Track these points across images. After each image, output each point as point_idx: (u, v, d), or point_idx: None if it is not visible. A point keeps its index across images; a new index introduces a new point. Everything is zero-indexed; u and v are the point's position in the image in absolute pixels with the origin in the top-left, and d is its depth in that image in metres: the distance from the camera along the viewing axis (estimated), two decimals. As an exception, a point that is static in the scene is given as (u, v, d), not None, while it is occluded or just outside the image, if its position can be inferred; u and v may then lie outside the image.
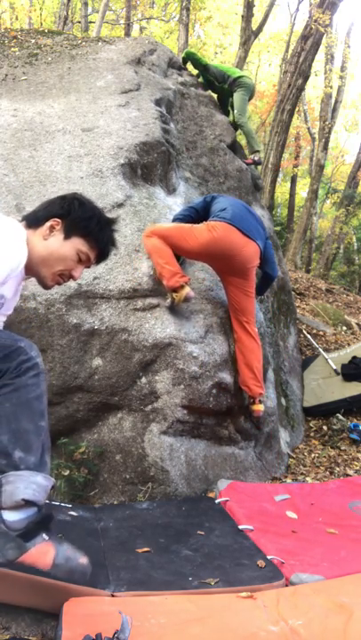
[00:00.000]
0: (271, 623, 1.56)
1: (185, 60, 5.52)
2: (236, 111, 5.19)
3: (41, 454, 1.39)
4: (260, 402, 3.18)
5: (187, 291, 2.94)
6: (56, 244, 1.54)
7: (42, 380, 1.42)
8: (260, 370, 3.12)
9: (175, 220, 3.26)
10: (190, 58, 5.44)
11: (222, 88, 5.27)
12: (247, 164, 4.93)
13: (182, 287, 2.93)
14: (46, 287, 1.63)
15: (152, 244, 2.99)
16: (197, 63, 5.36)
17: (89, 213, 1.59)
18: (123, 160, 3.43)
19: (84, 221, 1.56)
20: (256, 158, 5.13)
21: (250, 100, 5.35)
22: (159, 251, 2.96)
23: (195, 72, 5.60)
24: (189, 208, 3.32)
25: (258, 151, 5.20)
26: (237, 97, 5.15)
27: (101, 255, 1.65)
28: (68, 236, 1.55)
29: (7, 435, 1.34)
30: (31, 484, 1.34)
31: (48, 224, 1.55)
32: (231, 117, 5.27)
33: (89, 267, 1.67)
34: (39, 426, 1.38)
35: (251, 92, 5.26)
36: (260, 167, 12.54)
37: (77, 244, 1.56)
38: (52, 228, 1.55)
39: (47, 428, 1.43)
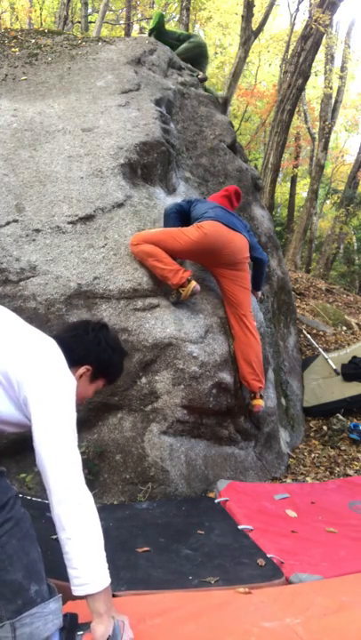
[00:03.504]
0: (266, 620, 1.56)
1: (152, 31, 5.90)
2: (179, 50, 5.81)
3: (46, 579, 1.37)
4: (261, 396, 3.18)
5: (193, 285, 2.98)
6: (82, 388, 1.63)
7: (21, 505, 1.43)
8: (259, 364, 3.13)
9: (169, 212, 3.28)
10: (159, 24, 5.86)
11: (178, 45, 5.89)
12: (200, 80, 5.60)
13: (189, 282, 2.97)
14: None
15: (142, 249, 2.99)
16: (162, 30, 5.87)
17: (116, 359, 1.71)
18: (123, 160, 3.43)
19: (112, 368, 1.70)
20: (200, 75, 5.70)
21: (206, 62, 6.10)
22: (153, 254, 2.96)
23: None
24: (177, 204, 3.36)
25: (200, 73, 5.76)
26: (185, 45, 5.87)
27: (110, 383, 1.78)
28: (93, 380, 1.67)
29: (22, 572, 1.31)
30: (48, 617, 1.31)
31: (81, 371, 1.63)
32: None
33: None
34: (39, 552, 1.38)
35: (200, 47, 6.00)
36: (260, 167, 12.55)
37: (99, 385, 1.71)
38: (82, 375, 1.64)
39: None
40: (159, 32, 5.79)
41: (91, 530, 1.34)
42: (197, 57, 5.91)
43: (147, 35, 5.97)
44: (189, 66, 5.72)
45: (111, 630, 1.31)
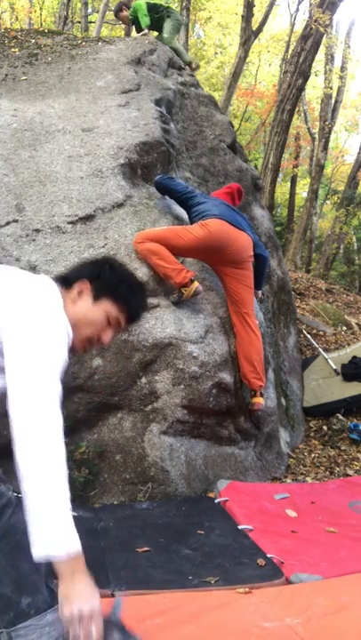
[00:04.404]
0: (266, 620, 1.56)
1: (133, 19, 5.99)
2: (166, 34, 5.85)
3: (46, 587, 1.28)
4: (261, 394, 3.18)
5: (196, 285, 2.99)
6: (84, 307, 1.47)
7: (19, 511, 1.25)
8: (260, 362, 3.13)
9: (184, 190, 3.36)
10: (137, 12, 5.89)
11: (158, 18, 5.94)
12: (192, 69, 5.69)
13: (191, 282, 2.98)
14: (75, 353, 1.52)
15: (146, 247, 3.00)
16: (140, 9, 5.88)
17: (119, 277, 1.55)
18: (123, 160, 3.43)
19: (114, 284, 1.51)
20: (193, 66, 5.82)
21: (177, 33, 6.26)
22: (156, 252, 2.97)
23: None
24: (174, 182, 3.43)
25: (190, 62, 5.81)
26: (169, 23, 5.90)
27: (132, 319, 1.56)
28: (96, 298, 1.49)
29: (10, 586, 1.24)
30: (44, 629, 1.24)
31: (77, 286, 1.50)
32: (163, 39, 5.85)
33: (119, 332, 1.58)
34: (33, 562, 1.18)
35: (180, 24, 6.18)
36: (260, 167, 12.55)
37: (107, 307, 1.49)
38: (80, 292, 1.50)
39: None
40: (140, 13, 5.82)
41: (57, 486, 1.12)
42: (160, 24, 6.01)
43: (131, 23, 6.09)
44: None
45: (89, 604, 1.10)
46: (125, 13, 6.05)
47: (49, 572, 1.26)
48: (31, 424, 1.11)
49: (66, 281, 1.52)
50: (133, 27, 6.26)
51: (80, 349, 1.51)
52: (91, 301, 1.48)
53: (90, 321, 1.47)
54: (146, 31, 5.67)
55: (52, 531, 1.09)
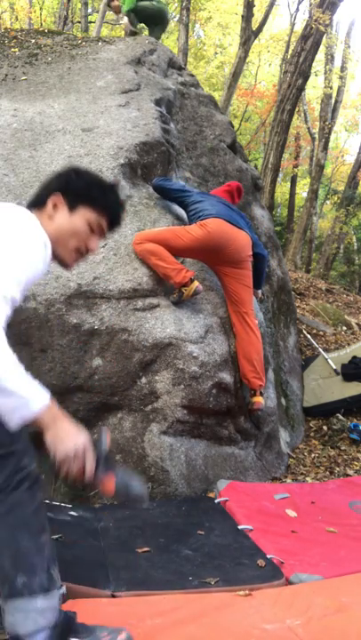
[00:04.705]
0: (266, 622, 1.56)
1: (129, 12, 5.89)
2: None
3: (47, 571, 1.26)
4: (261, 394, 3.18)
5: (196, 284, 2.99)
6: (63, 219, 1.46)
7: (38, 489, 1.29)
8: (260, 362, 3.13)
9: (180, 189, 3.40)
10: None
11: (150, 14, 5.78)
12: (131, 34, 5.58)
13: (191, 281, 2.98)
14: (67, 267, 1.54)
15: (145, 248, 3.00)
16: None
17: (87, 181, 1.53)
18: (123, 160, 3.43)
19: (85, 189, 1.49)
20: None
21: (161, 28, 6.05)
22: (156, 253, 2.97)
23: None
24: (170, 183, 3.47)
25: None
26: (160, 29, 5.87)
27: (113, 221, 1.55)
28: (72, 208, 1.47)
29: (8, 560, 1.23)
30: (30, 614, 1.22)
31: (50, 202, 1.48)
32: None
33: (104, 237, 1.57)
34: (40, 542, 1.26)
35: (157, 11, 5.90)
36: (260, 167, 12.54)
37: (85, 214, 1.48)
38: (55, 206, 1.47)
39: (49, 540, 1.31)
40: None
41: (4, 358, 1.14)
42: (151, 18, 5.86)
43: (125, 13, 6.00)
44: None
45: (74, 440, 1.20)
46: (117, 3, 5.95)
47: (53, 557, 1.29)
48: None
49: (37, 202, 1.51)
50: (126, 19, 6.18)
51: (71, 262, 1.52)
52: (67, 212, 1.47)
53: (72, 231, 1.47)
54: (125, 19, 5.57)
55: (22, 395, 1.14)
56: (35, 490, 1.27)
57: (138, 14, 5.65)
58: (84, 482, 1.26)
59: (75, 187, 1.49)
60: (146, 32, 5.94)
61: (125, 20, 5.59)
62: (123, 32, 6.06)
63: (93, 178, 1.56)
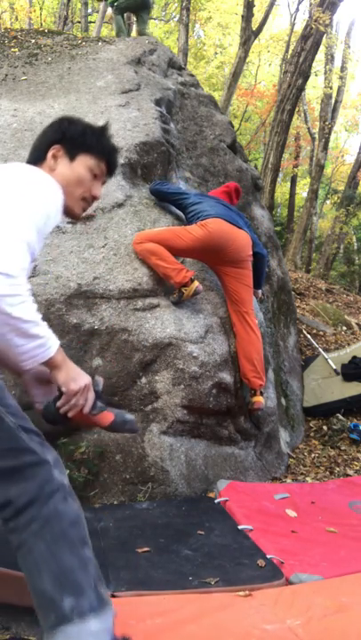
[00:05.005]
0: (267, 622, 1.56)
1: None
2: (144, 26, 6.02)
3: (95, 589, 1.14)
4: (261, 394, 3.18)
5: (196, 284, 2.99)
6: (66, 169, 1.48)
7: (73, 500, 1.21)
8: (260, 361, 3.14)
9: (177, 192, 3.42)
10: None
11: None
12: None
13: (192, 281, 2.98)
14: (76, 217, 1.56)
15: (145, 247, 3.00)
16: None
17: (81, 128, 1.54)
18: (123, 160, 3.43)
19: (81, 137, 1.51)
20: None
21: (147, 14, 6.27)
22: (156, 253, 2.97)
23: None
24: (167, 186, 3.48)
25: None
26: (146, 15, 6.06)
27: (111, 164, 1.58)
28: (72, 157, 1.49)
29: (50, 581, 1.10)
30: (88, 638, 1.09)
31: (50, 154, 1.49)
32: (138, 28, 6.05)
33: (104, 182, 1.60)
34: (83, 557, 1.15)
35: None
36: (260, 167, 12.55)
37: (85, 161, 1.50)
38: (55, 157, 1.49)
39: (92, 555, 1.19)
40: None
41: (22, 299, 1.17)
42: (134, 6, 5.99)
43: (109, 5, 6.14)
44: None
45: (83, 379, 1.32)
46: None
47: (99, 573, 1.19)
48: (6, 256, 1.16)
49: (36, 157, 1.51)
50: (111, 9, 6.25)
51: (79, 212, 1.54)
52: (68, 162, 1.49)
53: (77, 180, 1.48)
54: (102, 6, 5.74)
55: (42, 337, 1.21)
56: (70, 500, 1.20)
57: (118, 7, 5.80)
58: (83, 418, 1.36)
59: (71, 135, 1.51)
60: (133, 33, 6.03)
61: (108, 10, 5.78)
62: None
63: (85, 124, 1.57)
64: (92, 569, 1.16)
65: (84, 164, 1.50)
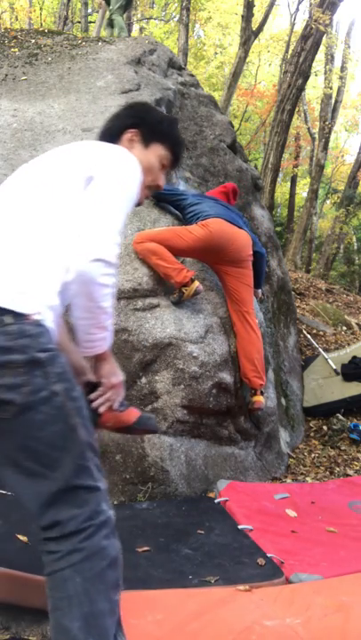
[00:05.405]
0: (267, 618, 1.56)
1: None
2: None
3: (115, 635, 1.10)
4: (262, 393, 3.18)
5: (196, 284, 2.99)
6: (140, 155, 1.44)
7: (115, 537, 1.14)
8: (260, 361, 3.14)
9: (175, 193, 3.42)
10: None
11: None
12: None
13: (192, 281, 2.98)
14: (139, 204, 1.52)
15: (146, 247, 3.00)
16: None
17: (159, 116, 1.53)
18: (123, 160, 3.43)
19: (158, 125, 1.50)
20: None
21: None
22: (156, 252, 2.97)
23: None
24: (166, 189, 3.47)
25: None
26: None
27: (176, 157, 1.56)
28: (147, 144, 1.47)
29: (79, 621, 1.03)
30: None
31: (127, 137, 1.46)
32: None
33: (168, 174, 1.60)
34: (114, 602, 1.08)
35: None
36: (260, 167, 12.55)
37: (158, 150, 1.48)
38: (131, 141, 1.46)
39: (119, 597, 1.13)
40: None
41: (103, 300, 1.19)
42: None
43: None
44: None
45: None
46: None
47: (120, 621, 1.15)
48: (99, 239, 1.16)
49: (110, 135, 1.50)
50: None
51: (142, 200, 1.52)
52: (143, 148, 1.47)
53: (148, 167, 1.46)
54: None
55: (109, 330, 1.26)
56: (113, 538, 1.13)
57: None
58: (110, 417, 1.38)
59: (150, 122, 1.50)
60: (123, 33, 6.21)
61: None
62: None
63: (161, 113, 1.58)
64: (117, 615, 1.12)
65: (156, 153, 1.48)
